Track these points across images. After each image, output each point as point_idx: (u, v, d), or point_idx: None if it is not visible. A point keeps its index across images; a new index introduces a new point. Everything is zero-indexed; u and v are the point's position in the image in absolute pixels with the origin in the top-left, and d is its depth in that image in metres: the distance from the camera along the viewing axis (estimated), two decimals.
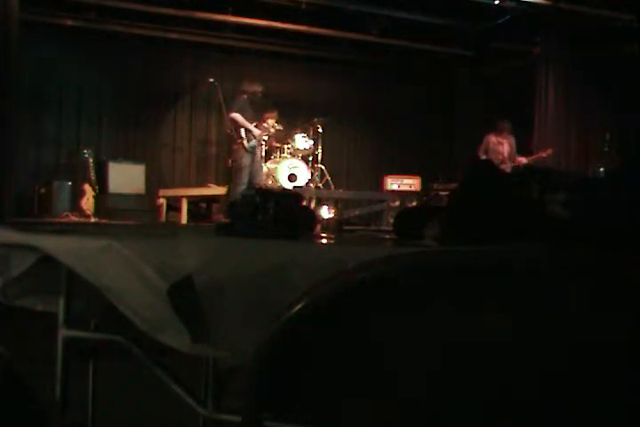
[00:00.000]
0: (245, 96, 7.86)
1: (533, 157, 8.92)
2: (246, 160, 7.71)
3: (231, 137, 7.89)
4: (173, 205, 9.12)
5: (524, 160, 8.84)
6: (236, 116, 7.70)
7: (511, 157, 8.92)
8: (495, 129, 8.99)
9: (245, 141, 7.67)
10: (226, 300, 1.14)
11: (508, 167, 8.66)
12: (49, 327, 1.47)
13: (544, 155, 8.83)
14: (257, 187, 8.54)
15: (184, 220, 8.68)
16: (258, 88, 7.94)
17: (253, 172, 7.80)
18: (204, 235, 1.78)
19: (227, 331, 1.15)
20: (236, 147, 7.76)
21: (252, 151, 7.77)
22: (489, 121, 9.42)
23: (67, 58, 9.70)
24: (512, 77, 10.41)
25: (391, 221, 5.79)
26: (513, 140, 9.03)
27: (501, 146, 8.93)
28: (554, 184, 1.24)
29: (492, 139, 8.94)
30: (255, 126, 7.83)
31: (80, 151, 9.23)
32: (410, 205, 9.11)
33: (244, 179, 7.68)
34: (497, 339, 0.67)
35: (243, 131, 7.69)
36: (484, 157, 8.85)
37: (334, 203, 8.62)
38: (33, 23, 8.61)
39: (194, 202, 9.07)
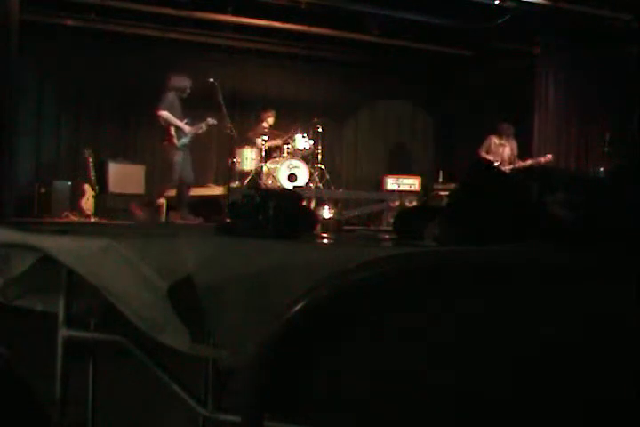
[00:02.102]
0: (173, 92, 7.69)
1: (531, 162, 8.88)
2: (178, 157, 7.60)
3: (162, 134, 7.73)
4: (173, 205, 9.12)
5: (521, 163, 8.81)
6: (165, 114, 7.57)
7: (511, 161, 8.91)
8: (498, 131, 8.97)
9: (176, 139, 7.58)
10: (226, 300, 1.14)
11: (506, 170, 8.62)
12: (49, 327, 1.47)
13: (542, 161, 8.79)
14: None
15: None
16: (185, 84, 7.75)
17: (185, 169, 7.69)
18: (204, 235, 1.78)
19: (227, 331, 1.15)
20: (165, 144, 7.66)
21: (184, 149, 7.68)
22: (489, 121, 9.42)
23: (67, 58, 9.70)
24: (512, 77, 10.41)
25: (391, 221, 5.78)
26: (515, 144, 9.01)
27: (503, 148, 8.92)
28: (554, 184, 1.24)
29: (495, 140, 8.93)
30: (186, 123, 7.70)
31: (80, 151, 9.23)
32: (410, 205, 9.11)
33: (175, 176, 7.62)
34: (497, 339, 0.67)
35: (173, 129, 7.59)
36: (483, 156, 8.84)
37: (334, 203, 8.62)
38: (33, 23, 8.62)
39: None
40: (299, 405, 0.73)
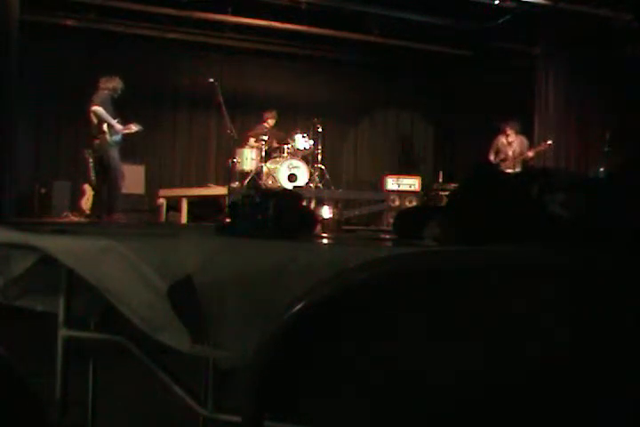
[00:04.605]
0: (106, 92, 7.76)
1: (535, 150, 8.97)
2: (114, 153, 7.66)
3: (93, 130, 7.71)
4: (173, 205, 9.12)
5: (530, 154, 8.91)
6: (99, 109, 7.59)
7: (522, 153, 8.99)
8: (503, 131, 9.01)
9: (108, 136, 7.60)
10: (226, 300, 1.14)
11: (517, 163, 8.75)
12: (49, 327, 1.47)
13: (543, 147, 8.93)
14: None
15: (184, 220, 8.68)
16: (117, 84, 7.82)
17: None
18: (204, 235, 1.78)
19: (227, 331, 1.15)
20: (98, 142, 7.67)
21: (116, 145, 7.70)
22: (489, 121, 9.42)
23: (67, 58, 9.70)
24: (512, 77, 10.41)
25: (391, 221, 5.79)
26: (522, 138, 9.05)
27: (510, 146, 8.98)
28: (554, 184, 1.24)
29: (502, 140, 9.00)
30: (117, 122, 7.71)
31: (80, 151, 9.23)
32: (410, 205, 9.12)
33: (121, 166, 7.71)
34: (496, 339, 0.67)
35: (105, 125, 7.61)
36: (492, 157, 8.93)
37: (334, 203, 8.62)
38: (33, 23, 8.62)
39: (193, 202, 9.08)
40: (299, 405, 0.73)
